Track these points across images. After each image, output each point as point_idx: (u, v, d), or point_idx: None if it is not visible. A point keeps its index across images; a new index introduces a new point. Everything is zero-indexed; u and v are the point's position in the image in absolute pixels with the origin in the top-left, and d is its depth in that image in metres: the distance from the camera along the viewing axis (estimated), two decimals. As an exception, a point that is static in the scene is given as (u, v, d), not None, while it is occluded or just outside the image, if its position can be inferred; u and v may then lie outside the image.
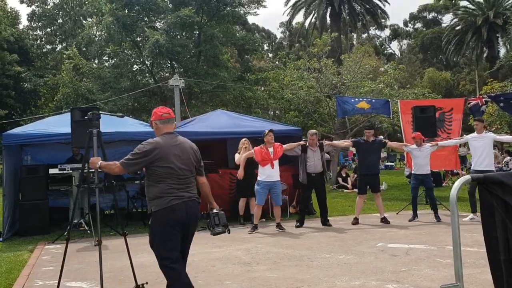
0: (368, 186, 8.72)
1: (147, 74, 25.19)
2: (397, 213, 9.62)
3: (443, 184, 15.47)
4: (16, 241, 8.03)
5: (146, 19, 23.22)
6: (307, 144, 8.37)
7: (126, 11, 21.83)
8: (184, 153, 3.93)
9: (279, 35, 60.43)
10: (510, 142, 9.90)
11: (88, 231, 8.19)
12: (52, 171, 8.79)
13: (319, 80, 17.54)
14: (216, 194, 9.28)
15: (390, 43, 59.29)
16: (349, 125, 19.39)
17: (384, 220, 8.54)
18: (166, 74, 25.03)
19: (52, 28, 33.89)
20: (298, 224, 8.44)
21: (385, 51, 56.44)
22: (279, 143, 8.24)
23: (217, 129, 9.81)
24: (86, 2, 32.71)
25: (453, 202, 2.28)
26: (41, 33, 33.93)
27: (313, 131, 8.62)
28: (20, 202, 8.67)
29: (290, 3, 38.05)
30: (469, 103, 12.07)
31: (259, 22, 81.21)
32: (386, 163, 24.56)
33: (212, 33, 21.64)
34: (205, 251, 6.69)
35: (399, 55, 56.01)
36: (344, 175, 15.74)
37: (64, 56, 24.27)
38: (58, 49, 33.98)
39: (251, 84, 23.55)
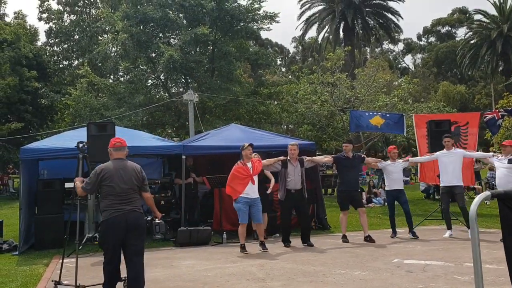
0: (350, 203, 8.56)
1: (161, 89, 25.45)
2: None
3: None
4: (31, 255, 8.08)
5: (161, 35, 23.53)
6: (288, 158, 8.14)
7: (141, 27, 22.16)
8: (126, 174, 4.81)
9: (292, 49, 60.81)
10: (480, 159, 9.90)
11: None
12: (68, 185, 8.83)
13: (333, 94, 17.55)
14: (229, 208, 9.39)
15: (404, 57, 59.24)
16: (363, 139, 19.31)
17: (369, 239, 8.28)
18: (180, 89, 25.25)
19: (69, 44, 34.54)
20: (286, 244, 8.11)
21: (399, 65, 56.34)
22: (257, 158, 7.99)
23: (230, 143, 9.81)
24: (101, 19, 33.30)
25: (472, 218, 2.24)
26: (58, 49, 34.60)
27: (294, 142, 8.37)
28: (36, 215, 8.74)
29: (303, 18, 38.28)
30: (485, 117, 11.94)
31: (272, 37, 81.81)
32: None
33: (227, 49, 21.83)
34: (218, 267, 6.65)
35: (413, 69, 55.83)
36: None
37: (79, 73, 24.66)
38: (74, 64, 34.58)
39: (264, 99, 23.64)
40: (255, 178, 7.70)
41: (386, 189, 9.12)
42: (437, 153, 8.98)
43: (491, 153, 9.23)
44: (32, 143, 9.74)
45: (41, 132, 24.06)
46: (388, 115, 13.36)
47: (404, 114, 13.77)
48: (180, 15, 23.22)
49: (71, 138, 9.55)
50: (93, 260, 7.37)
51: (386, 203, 14.53)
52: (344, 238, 8.38)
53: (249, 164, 7.69)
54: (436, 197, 14.77)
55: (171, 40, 23.92)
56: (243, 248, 7.63)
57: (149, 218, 5.65)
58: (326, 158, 8.97)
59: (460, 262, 6.37)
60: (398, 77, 39.18)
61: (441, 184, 8.78)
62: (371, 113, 13.51)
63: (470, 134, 11.41)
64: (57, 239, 8.60)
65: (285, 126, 33.19)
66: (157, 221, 4.54)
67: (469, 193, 15.39)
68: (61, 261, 5.71)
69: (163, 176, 11.18)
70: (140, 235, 4.76)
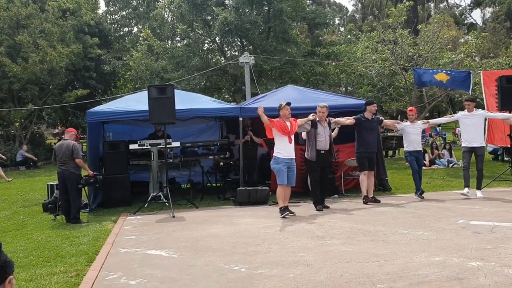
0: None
1: (217, 53, 25.48)
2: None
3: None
4: (101, 212, 8.55)
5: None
6: (317, 119, 7.94)
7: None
8: (64, 148, 7.76)
9: (351, 8, 58.63)
10: (503, 119, 9.38)
11: (166, 204, 8.52)
12: (132, 146, 9.14)
13: (394, 52, 16.80)
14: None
15: (471, 12, 55.24)
16: (426, 99, 18.50)
17: (374, 200, 8.28)
18: (235, 53, 25.16)
19: (127, 11, 35.22)
20: (319, 207, 7.81)
21: (465, 21, 52.78)
22: (293, 118, 7.74)
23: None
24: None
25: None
26: (117, 16, 35.40)
27: (323, 103, 8.11)
28: (103, 176, 9.16)
29: (362, -26, 36.55)
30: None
31: (329, -5, 78.93)
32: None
33: (281, 7, 21.32)
34: (277, 224, 6.72)
35: (481, 24, 52.11)
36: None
37: (140, 38, 25.13)
38: (134, 31, 35.31)
39: (322, 59, 23.04)
40: (292, 137, 7.56)
41: (405, 149, 9.03)
42: (458, 114, 9.07)
43: None
44: (97, 107, 10.11)
45: (105, 97, 25.02)
46: (453, 72, 12.65)
47: (471, 71, 12.97)
48: (235, -25, 22.87)
49: (134, 101, 9.85)
50: (157, 218, 7.68)
51: (449, 164, 14.05)
52: (366, 199, 8.28)
53: (288, 123, 7.53)
54: (505, 158, 14.01)
55: (226, 1, 23.70)
56: (284, 210, 7.31)
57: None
58: (349, 120, 8.62)
59: (532, 224, 6.03)
60: (464, 33, 36.78)
61: (463, 144, 8.79)
62: (435, 70, 12.86)
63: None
64: (123, 197, 9.07)
65: (343, 88, 32.38)
66: (83, 176, 8.05)
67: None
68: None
69: (221, 138, 11.32)
70: (72, 183, 7.76)
